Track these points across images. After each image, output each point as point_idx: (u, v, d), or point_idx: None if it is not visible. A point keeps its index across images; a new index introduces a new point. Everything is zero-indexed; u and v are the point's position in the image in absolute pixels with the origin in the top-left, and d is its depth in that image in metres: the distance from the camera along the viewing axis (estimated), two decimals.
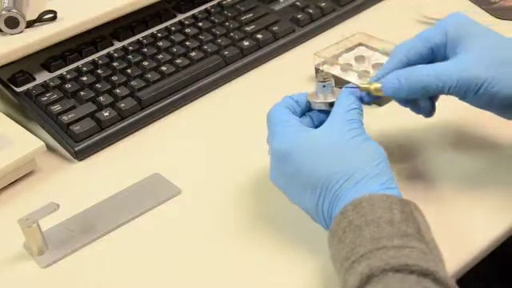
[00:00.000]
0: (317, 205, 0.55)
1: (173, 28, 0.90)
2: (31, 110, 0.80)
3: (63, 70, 0.84)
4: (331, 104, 0.60)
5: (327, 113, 0.59)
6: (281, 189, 0.59)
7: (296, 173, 0.56)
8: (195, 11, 0.94)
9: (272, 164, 0.59)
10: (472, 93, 0.57)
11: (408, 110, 0.68)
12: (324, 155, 0.55)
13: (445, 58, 0.60)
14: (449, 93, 0.58)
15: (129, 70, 0.83)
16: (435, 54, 0.61)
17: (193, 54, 0.85)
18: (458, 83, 0.57)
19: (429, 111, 0.63)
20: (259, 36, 0.88)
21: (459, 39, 0.59)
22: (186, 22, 0.91)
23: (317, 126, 0.60)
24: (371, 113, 0.74)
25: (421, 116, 0.67)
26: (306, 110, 0.61)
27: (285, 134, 0.57)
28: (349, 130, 0.56)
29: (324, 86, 0.61)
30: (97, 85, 0.81)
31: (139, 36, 0.90)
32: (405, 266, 0.46)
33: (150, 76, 0.82)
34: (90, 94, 0.80)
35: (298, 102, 0.61)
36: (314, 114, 0.61)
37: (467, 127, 0.70)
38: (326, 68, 0.79)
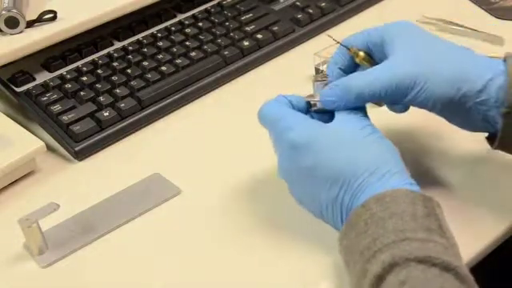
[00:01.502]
0: (336, 198, 0.54)
1: (173, 28, 0.90)
2: (31, 110, 0.79)
3: (63, 70, 0.84)
4: None
5: (327, 112, 0.59)
6: (290, 182, 0.58)
7: (315, 166, 0.55)
8: (195, 11, 0.94)
9: (284, 157, 0.58)
10: (405, 95, 0.57)
11: (408, 110, 0.68)
12: (345, 149, 0.55)
13: (385, 58, 0.61)
14: (386, 98, 0.58)
15: (129, 70, 0.83)
16: (374, 52, 0.62)
17: (193, 53, 0.85)
18: (389, 89, 0.57)
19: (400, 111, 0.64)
20: (259, 36, 0.88)
21: (392, 43, 0.60)
22: (186, 22, 0.91)
23: None
24: (371, 113, 0.74)
25: (420, 116, 0.67)
26: (304, 111, 0.61)
27: (303, 126, 0.57)
28: (364, 126, 0.57)
29: (322, 84, 0.61)
30: (97, 85, 0.81)
31: (139, 36, 0.90)
32: (428, 258, 0.47)
33: (150, 76, 0.82)
34: (90, 94, 0.80)
35: (292, 103, 0.61)
36: (315, 113, 0.61)
37: None
38: (326, 68, 0.79)
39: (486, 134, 0.61)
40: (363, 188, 0.53)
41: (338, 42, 0.63)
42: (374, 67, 0.59)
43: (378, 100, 0.59)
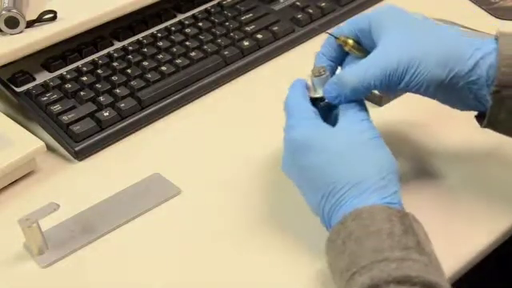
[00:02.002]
0: (319, 205, 0.55)
1: (173, 28, 0.90)
2: (31, 110, 0.79)
3: (63, 70, 0.84)
4: None
5: (334, 107, 0.60)
6: (292, 180, 0.58)
7: (307, 167, 0.55)
8: (195, 11, 0.94)
9: (286, 153, 0.58)
10: (398, 82, 0.57)
11: (408, 110, 0.68)
12: (335, 158, 0.54)
13: (374, 44, 0.60)
14: (381, 88, 0.58)
15: (129, 70, 0.83)
16: (363, 39, 0.61)
17: (193, 53, 0.85)
18: (383, 79, 0.57)
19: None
20: (259, 36, 0.88)
21: (381, 29, 0.59)
22: (186, 22, 0.91)
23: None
24: (371, 113, 0.74)
25: (420, 117, 0.67)
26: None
27: (305, 127, 0.57)
28: (364, 130, 0.56)
29: (322, 79, 0.60)
30: (97, 85, 0.81)
31: (139, 36, 0.90)
32: (407, 278, 0.46)
33: (150, 76, 0.82)
34: (90, 94, 0.80)
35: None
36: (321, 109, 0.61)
37: (466, 128, 0.70)
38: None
39: (483, 130, 0.61)
40: (342, 202, 0.53)
41: (327, 33, 0.63)
42: (365, 59, 0.59)
43: (375, 88, 0.58)
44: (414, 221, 0.52)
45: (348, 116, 0.57)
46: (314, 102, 0.61)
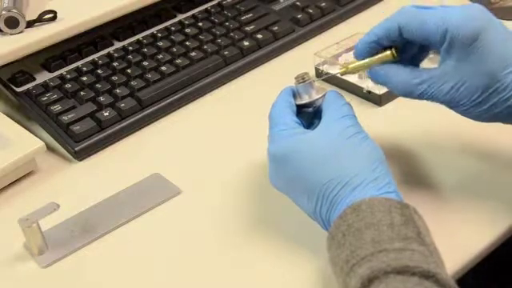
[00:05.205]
0: (315, 211, 0.55)
1: (173, 28, 0.90)
2: (31, 110, 0.80)
3: (63, 70, 0.84)
4: (319, 99, 0.60)
5: (316, 114, 0.59)
6: (281, 192, 0.58)
7: (294, 178, 0.55)
8: (195, 11, 0.94)
9: (270, 167, 0.58)
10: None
11: (408, 110, 0.68)
12: (320, 160, 0.54)
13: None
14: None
15: (129, 70, 0.83)
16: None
17: (193, 54, 0.85)
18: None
19: None
20: (259, 36, 0.88)
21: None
22: (186, 22, 0.91)
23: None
24: (371, 113, 0.74)
25: (420, 117, 0.67)
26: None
27: (280, 138, 0.57)
28: (345, 128, 0.55)
29: (306, 85, 0.60)
30: (97, 85, 0.81)
31: (139, 36, 0.90)
32: (406, 268, 0.46)
33: (150, 76, 0.82)
34: (90, 94, 0.80)
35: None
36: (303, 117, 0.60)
37: (467, 129, 0.70)
38: (326, 68, 0.79)
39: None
40: (338, 200, 0.53)
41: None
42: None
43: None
44: (415, 213, 0.52)
45: (329, 114, 0.57)
46: (301, 108, 0.60)
